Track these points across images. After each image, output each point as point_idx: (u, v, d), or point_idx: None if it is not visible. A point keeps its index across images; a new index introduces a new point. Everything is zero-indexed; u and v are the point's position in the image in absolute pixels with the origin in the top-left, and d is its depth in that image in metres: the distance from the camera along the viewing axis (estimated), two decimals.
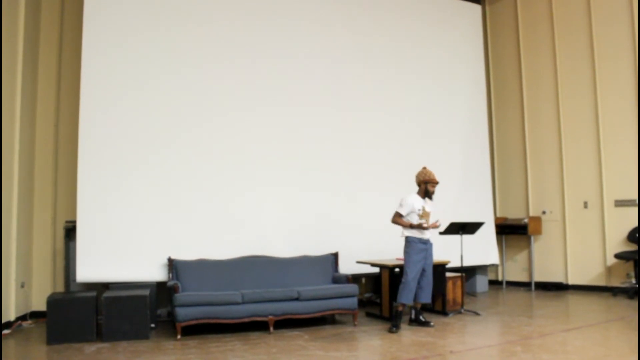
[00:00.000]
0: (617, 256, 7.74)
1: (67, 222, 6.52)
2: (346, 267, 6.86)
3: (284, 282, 6.23)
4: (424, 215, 5.85)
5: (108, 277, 5.94)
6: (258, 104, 6.98)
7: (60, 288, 6.58)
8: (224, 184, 6.68)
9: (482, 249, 8.33)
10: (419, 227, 5.76)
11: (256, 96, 6.97)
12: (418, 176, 6.01)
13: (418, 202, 5.89)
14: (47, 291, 6.36)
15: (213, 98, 6.75)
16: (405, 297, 5.74)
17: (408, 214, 5.86)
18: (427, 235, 5.88)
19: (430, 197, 5.98)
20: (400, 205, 5.91)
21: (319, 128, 7.36)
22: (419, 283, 5.83)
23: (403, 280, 5.80)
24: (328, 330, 5.82)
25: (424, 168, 6.04)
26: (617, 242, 7.91)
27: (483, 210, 8.58)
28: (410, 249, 5.81)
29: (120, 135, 6.28)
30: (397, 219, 5.92)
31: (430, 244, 5.93)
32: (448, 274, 6.75)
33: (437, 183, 5.95)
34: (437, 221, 5.93)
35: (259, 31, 7.12)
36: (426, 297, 5.91)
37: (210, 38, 6.83)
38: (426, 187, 5.92)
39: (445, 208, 7.50)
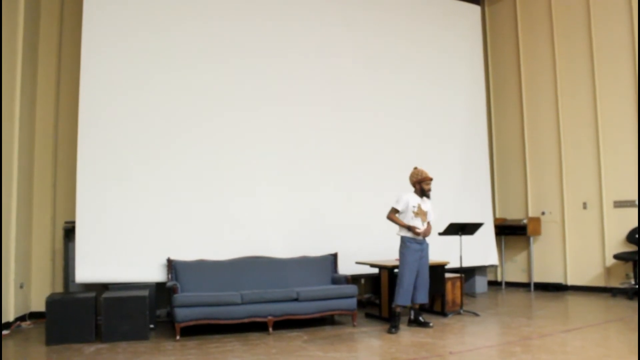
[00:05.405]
0: (616, 257, 7.74)
1: (66, 222, 6.51)
2: (345, 267, 6.86)
3: (283, 282, 6.22)
4: (420, 213, 5.82)
5: (107, 277, 5.93)
6: (258, 104, 6.98)
7: (60, 288, 6.57)
8: (223, 184, 6.67)
9: (481, 250, 8.33)
10: (413, 231, 5.73)
11: (256, 96, 6.98)
12: (411, 177, 5.96)
13: (414, 200, 5.86)
14: (46, 292, 6.36)
15: (212, 98, 6.75)
16: (402, 298, 5.72)
17: (403, 211, 5.83)
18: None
19: (427, 196, 5.94)
20: (397, 201, 5.87)
21: (319, 128, 7.36)
22: (414, 284, 5.80)
23: (398, 281, 5.78)
24: (327, 331, 5.81)
25: (415, 168, 5.99)
26: (616, 242, 7.91)
27: (482, 211, 8.58)
28: (406, 249, 5.78)
29: (120, 136, 6.28)
30: (392, 215, 5.87)
31: (426, 244, 5.90)
32: (447, 275, 6.75)
33: (431, 180, 5.89)
34: (429, 227, 5.88)
35: (259, 31, 7.11)
36: (422, 298, 5.88)
37: (210, 38, 6.83)
38: (421, 186, 5.88)
39: (444, 209, 7.52)
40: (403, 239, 5.83)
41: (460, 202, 8.26)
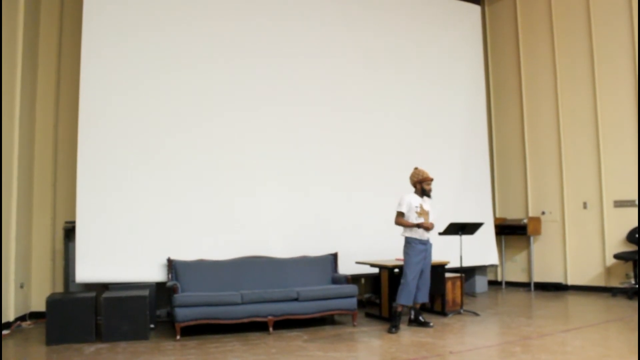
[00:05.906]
0: (616, 256, 7.74)
1: (66, 222, 6.52)
2: (345, 267, 6.86)
3: (283, 282, 6.23)
4: (422, 213, 5.85)
5: (107, 277, 5.93)
6: (258, 104, 6.98)
7: (60, 288, 6.58)
8: (223, 184, 6.68)
9: (481, 250, 8.33)
10: (422, 226, 5.74)
11: (256, 96, 6.98)
12: (412, 177, 6.00)
13: (415, 200, 5.89)
14: (47, 292, 6.37)
15: (212, 98, 6.76)
16: (405, 298, 5.74)
17: (406, 212, 5.85)
18: (426, 235, 5.88)
19: (428, 196, 5.97)
20: (399, 204, 5.90)
21: (319, 128, 7.36)
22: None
23: (402, 281, 5.80)
24: (327, 330, 5.82)
25: (416, 168, 6.03)
26: (616, 242, 7.91)
27: (482, 210, 8.58)
28: (410, 250, 5.80)
29: (120, 136, 6.29)
30: (400, 219, 5.89)
31: (430, 245, 5.93)
32: (447, 275, 6.75)
33: (432, 180, 5.93)
34: (431, 223, 5.89)
35: (259, 32, 7.12)
36: (423, 297, 5.91)
37: (210, 38, 6.83)
38: (422, 186, 5.91)
39: (444, 208, 7.54)
40: (408, 239, 5.84)
41: (460, 202, 8.26)
